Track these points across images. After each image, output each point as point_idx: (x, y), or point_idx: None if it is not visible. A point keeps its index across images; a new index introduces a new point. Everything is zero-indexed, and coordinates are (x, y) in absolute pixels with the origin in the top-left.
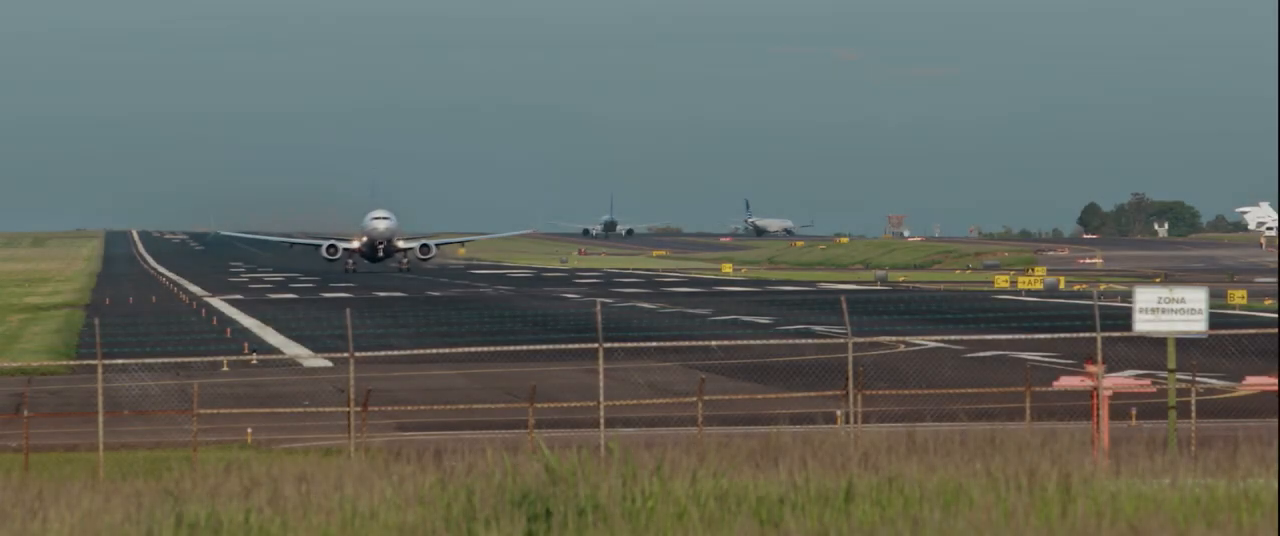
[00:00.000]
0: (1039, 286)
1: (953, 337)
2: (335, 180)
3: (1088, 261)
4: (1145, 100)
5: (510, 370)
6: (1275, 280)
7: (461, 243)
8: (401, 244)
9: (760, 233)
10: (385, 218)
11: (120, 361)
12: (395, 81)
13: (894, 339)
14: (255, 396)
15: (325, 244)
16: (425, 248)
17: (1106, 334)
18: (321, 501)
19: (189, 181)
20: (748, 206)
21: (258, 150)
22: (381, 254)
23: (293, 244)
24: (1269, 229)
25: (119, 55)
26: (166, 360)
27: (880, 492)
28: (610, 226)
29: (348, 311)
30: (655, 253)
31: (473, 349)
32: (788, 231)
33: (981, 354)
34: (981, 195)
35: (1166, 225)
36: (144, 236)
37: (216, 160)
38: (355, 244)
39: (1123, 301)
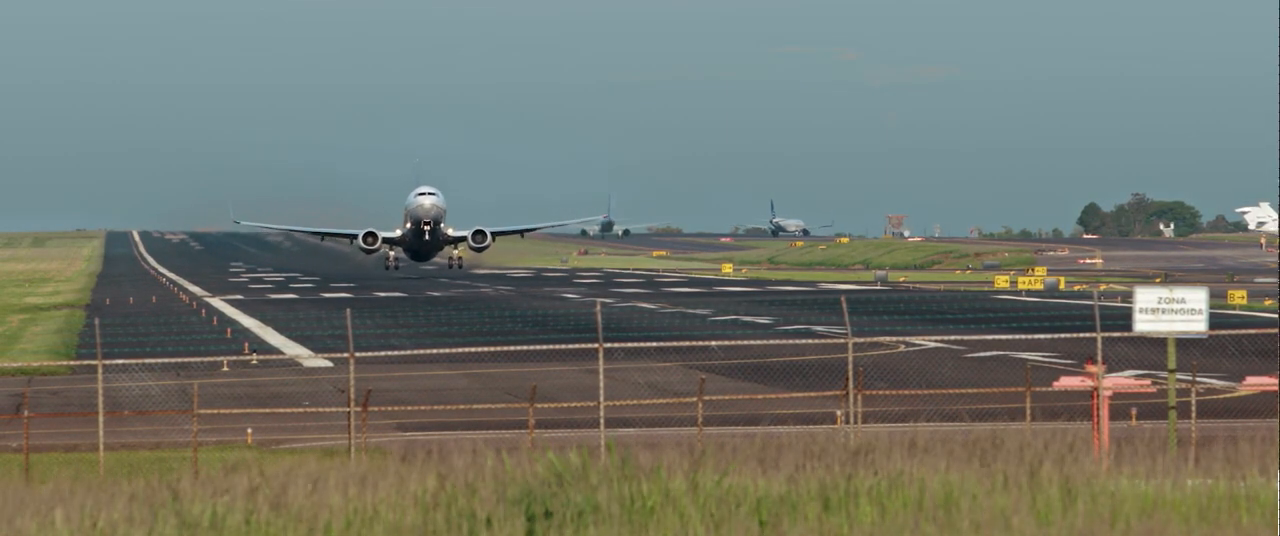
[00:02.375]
0: (1039, 287)
1: (953, 338)
2: (334, 180)
3: (1088, 261)
4: (1145, 100)
5: (510, 370)
6: (1275, 280)
7: (521, 232)
8: (451, 232)
9: (775, 233)
10: (431, 193)
11: (120, 361)
12: (393, 81)
13: (894, 339)
14: (255, 396)
15: (362, 233)
16: (480, 236)
17: (1107, 334)
18: (322, 501)
19: (191, 181)
20: (773, 207)
21: (260, 150)
22: (428, 238)
23: (323, 236)
24: None
25: (120, 54)
26: (167, 360)
27: (880, 492)
28: (608, 227)
29: (348, 311)
30: (655, 253)
31: (473, 349)
32: (805, 231)
33: (982, 354)
34: (981, 195)
35: (1172, 225)
36: (144, 236)
37: (220, 160)
38: (396, 232)
39: (1123, 302)
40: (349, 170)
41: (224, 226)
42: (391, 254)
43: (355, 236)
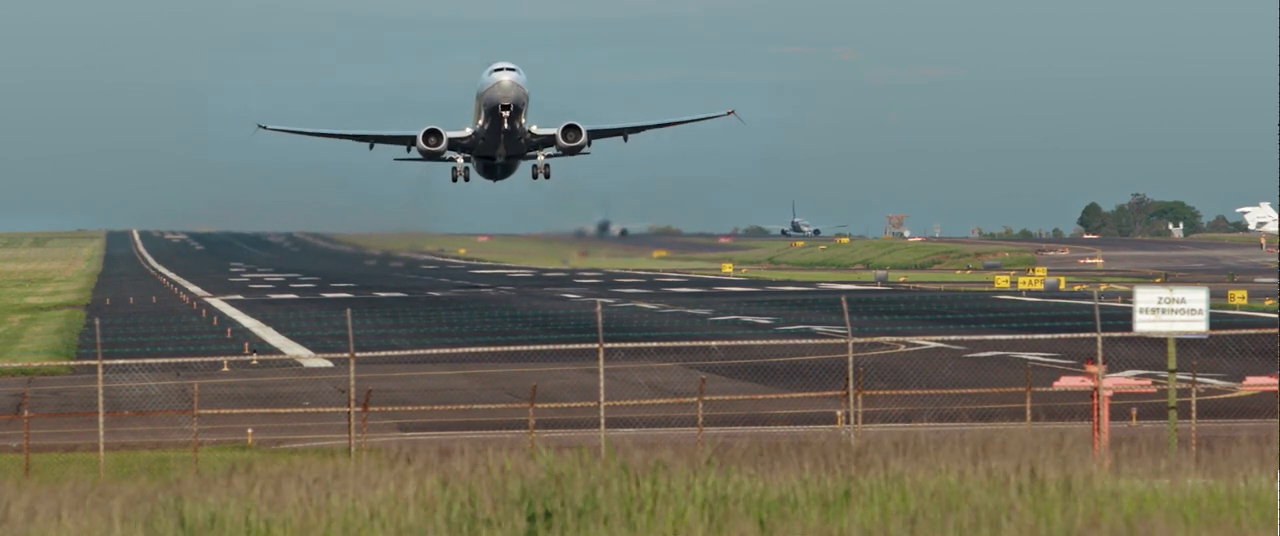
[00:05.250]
0: (1039, 287)
1: (953, 338)
2: (340, 177)
3: (1088, 262)
4: (1145, 100)
5: (511, 370)
6: (1275, 280)
7: (625, 133)
8: (536, 130)
9: (785, 233)
10: (511, 68)
11: (121, 361)
12: (388, 81)
13: (894, 339)
14: (256, 396)
15: (421, 132)
16: (572, 133)
17: (1107, 334)
18: (322, 501)
19: (191, 181)
20: (794, 209)
21: (259, 150)
22: (508, 129)
23: (372, 142)
24: None
25: (120, 54)
26: (167, 360)
27: (880, 492)
28: (604, 227)
29: (348, 312)
30: (655, 253)
31: (473, 349)
32: (816, 232)
33: (982, 354)
34: (981, 195)
35: (1181, 225)
36: (144, 236)
37: (220, 160)
38: (465, 132)
39: (1123, 302)
40: (357, 163)
41: (225, 226)
42: (460, 161)
43: (413, 138)
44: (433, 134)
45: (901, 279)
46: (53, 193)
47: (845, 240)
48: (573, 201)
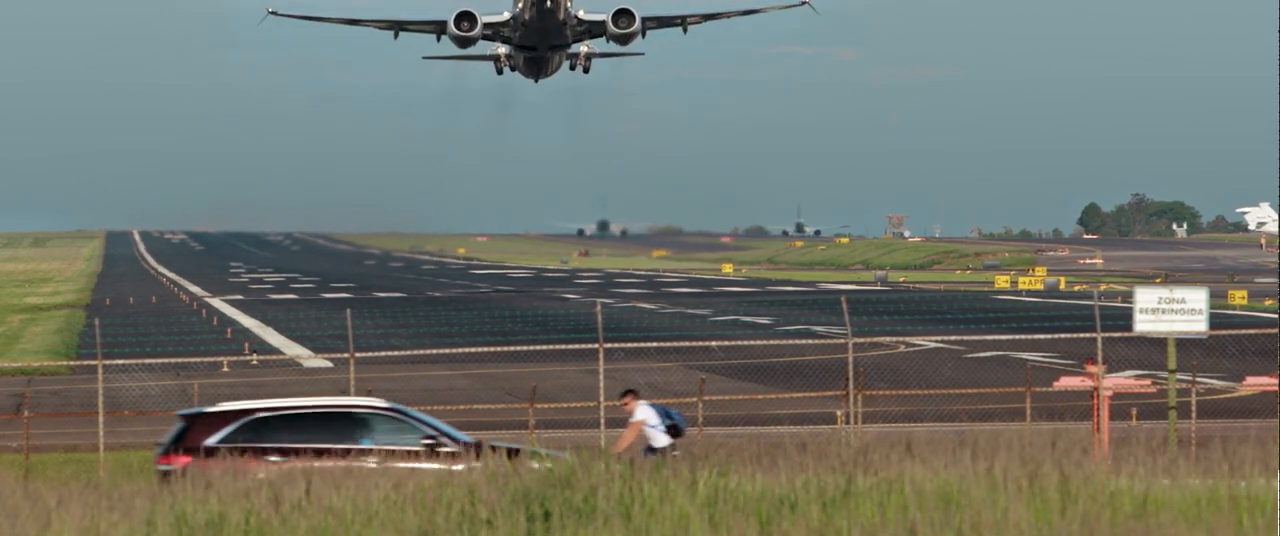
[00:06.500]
0: (1039, 287)
1: (953, 338)
2: (341, 177)
3: (1088, 262)
4: (1145, 100)
5: (510, 370)
6: (1275, 280)
7: (684, 22)
8: (583, 14)
9: (786, 234)
10: None
11: (120, 361)
12: (390, 79)
13: (894, 339)
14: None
15: (453, 15)
16: (624, 18)
17: (1107, 334)
18: (321, 501)
19: (191, 181)
20: (799, 211)
21: (259, 146)
22: (551, 8)
23: (397, 30)
24: None
25: (121, 54)
26: (167, 360)
27: (880, 493)
28: (604, 227)
29: (348, 312)
30: (655, 253)
31: (473, 349)
32: (817, 232)
33: (982, 354)
34: (981, 195)
35: (1185, 225)
36: (144, 236)
37: (220, 160)
38: (504, 16)
39: (1123, 302)
40: (358, 162)
41: (225, 226)
42: (501, 52)
43: (443, 24)
44: (466, 17)
45: (901, 279)
46: (53, 193)
47: (845, 240)
48: (573, 201)
